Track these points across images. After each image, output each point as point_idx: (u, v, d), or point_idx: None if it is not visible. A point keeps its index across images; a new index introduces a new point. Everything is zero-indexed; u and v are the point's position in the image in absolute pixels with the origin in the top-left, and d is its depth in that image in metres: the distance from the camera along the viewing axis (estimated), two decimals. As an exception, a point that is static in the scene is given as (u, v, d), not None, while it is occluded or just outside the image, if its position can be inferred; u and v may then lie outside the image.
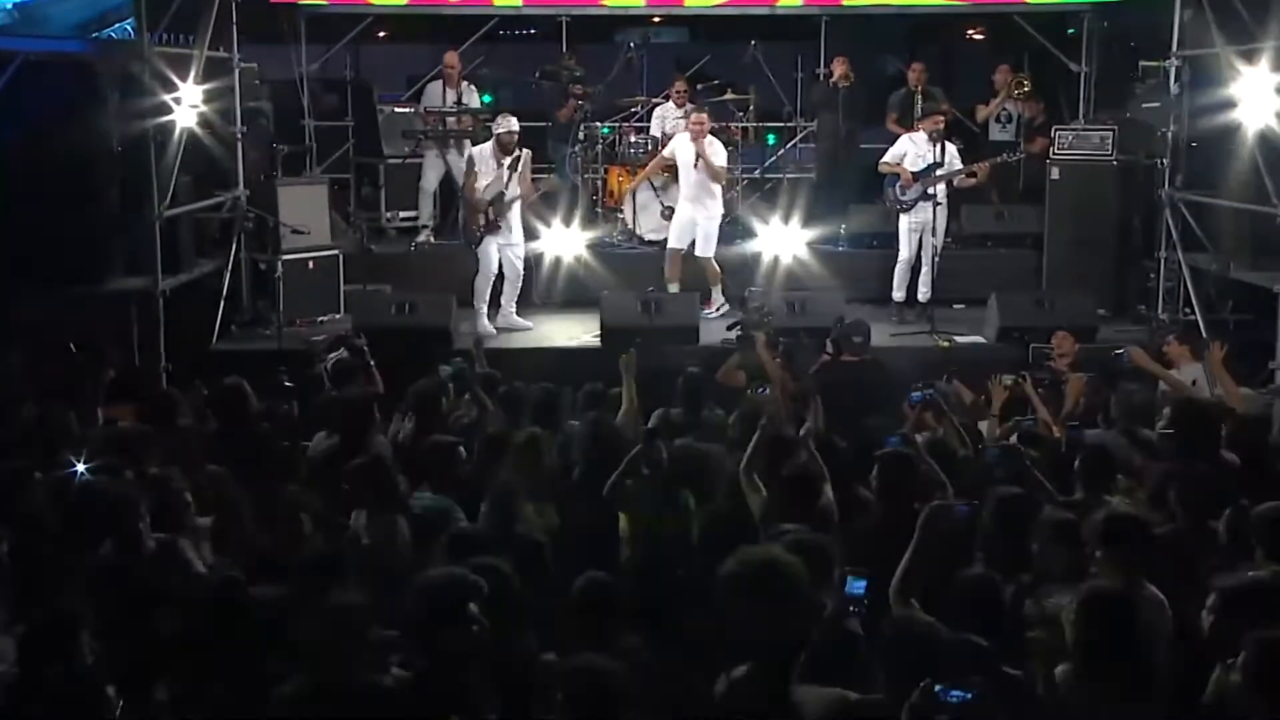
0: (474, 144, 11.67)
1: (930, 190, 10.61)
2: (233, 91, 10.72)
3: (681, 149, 10.95)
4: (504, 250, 10.57)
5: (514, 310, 10.74)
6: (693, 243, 10.99)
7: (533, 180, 10.89)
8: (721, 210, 11.08)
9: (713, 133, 12.32)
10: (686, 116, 12.27)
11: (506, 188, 10.43)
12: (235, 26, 10.67)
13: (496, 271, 10.58)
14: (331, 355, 8.54)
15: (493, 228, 10.44)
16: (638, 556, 5.54)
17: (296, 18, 12.72)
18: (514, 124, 10.55)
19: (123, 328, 9.51)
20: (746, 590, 3.72)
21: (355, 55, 14.36)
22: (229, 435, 6.79)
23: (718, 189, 10.96)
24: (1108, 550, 4.74)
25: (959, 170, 10.72)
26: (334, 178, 12.72)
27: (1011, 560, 4.95)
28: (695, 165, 10.84)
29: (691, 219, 10.93)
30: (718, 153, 10.92)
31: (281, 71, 12.78)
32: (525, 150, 10.61)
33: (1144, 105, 11.46)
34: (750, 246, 11.48)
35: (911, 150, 10.75)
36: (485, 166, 10.48)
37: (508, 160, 10.42)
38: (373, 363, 7.94)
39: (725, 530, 5.18)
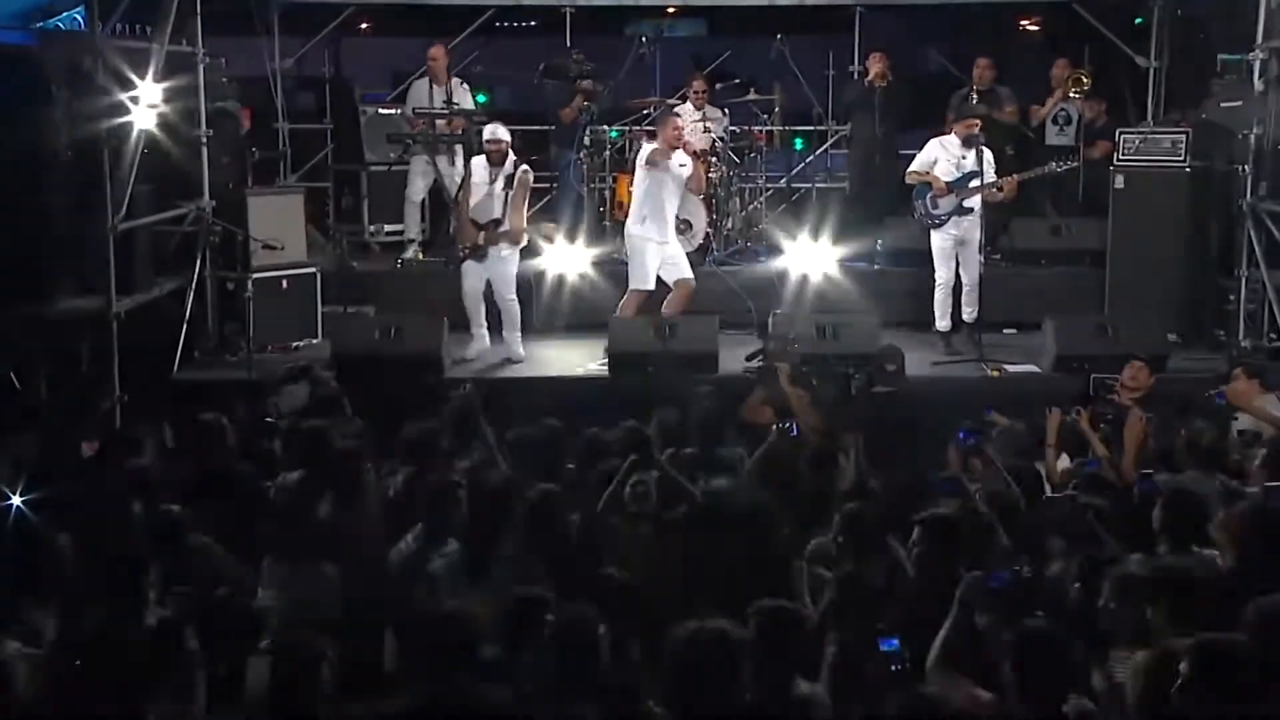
0: (466, 149, 11.68)
1: (966, 203, 10.48)
2: (197, 90, 10.68)
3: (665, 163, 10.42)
4: (490, 268, 10.51)
5: (518, 338, 10.64)
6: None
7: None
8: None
9: (734, 137, 12.36)
10: (704, 119, 12.32)
11: (503, 215, 10.37)
12: (199, 17, 10.64)
13: (483, 287, 10.55)
14: (289, 388, 8.48)
15: (479, 254, 10.43)
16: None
17: (269, 8, 12.74)
18: (500, 132, 10.51)
19: (72, 354, 9.49)
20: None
21: (335, 50, 14.46)
22: (203, 479, 6.71)
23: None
24: (1156, 608, 4.77)
25: (988, 184, 10.54)
26: (311, 187, 12.75)
27: (1080, 625, 4.92)
28: (677, 181, 10.50)
29: (669, 251, 10.59)
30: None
31: (252, 68, 12.81)
32: (525, 168, 10.55)
33: (1223, 104, 11.37)
34: (775, 264, 11.43)
35: (943, 156, 10.61)
36: (479, 179, 10.46)
37: (501, 176, 10.40)
38: (343, 398, 7.92)
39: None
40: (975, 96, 12.03)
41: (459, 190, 10.70)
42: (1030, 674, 4.34)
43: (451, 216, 11.09)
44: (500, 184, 10.39)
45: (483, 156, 10.53)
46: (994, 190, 10.60)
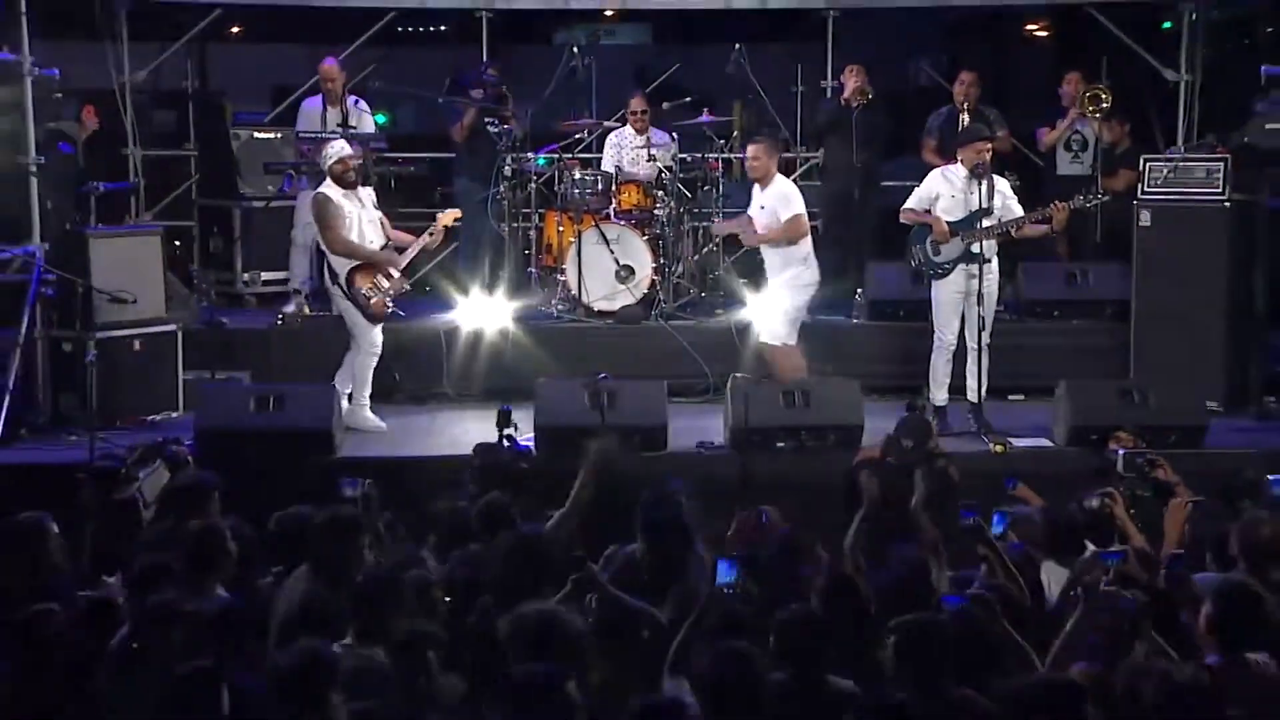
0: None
1: (975, 247, 10.41)
2: (24, 107, 10.66)
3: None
4: None
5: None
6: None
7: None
8: (795, 280, 10.75)
9: (684, 166, 12.32)
10: (649, 145, 12.29)
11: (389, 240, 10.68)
12: (26, 18, 10.59)
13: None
14: (145, 472, 8.29)
15: (401, 286, 10.62)
16: None
17: (115, 7, 12.82)
18: (344, 149, 10.72)
19: None
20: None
21: (200, 59, 14.35)
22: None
23: (792, 251, 10.71)
24: None
25: (1019, 218, 10.49)
26: (170, 226, 12.69)
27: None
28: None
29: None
30: (779, 198, 10.73)
31: (96, 80, 12.78)
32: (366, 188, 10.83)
33: (1268, 126, 11.43)
34: (735, 318, 11.38)
35: (946, 190, 10.53)
36: (349, 210, 10.55)
37: (363, 200, 10.66)
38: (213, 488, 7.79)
39: None
40: (967, 117, 12.03)
41: (327, 230, 10.63)
42: None
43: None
44: (368, 209, 10.62)
45: (329, 183, 10.60)
46: (1034, 223, 10.51)
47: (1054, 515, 7.63)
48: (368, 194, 10.72)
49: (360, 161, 10.66)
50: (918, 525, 7.42)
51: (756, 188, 10.81)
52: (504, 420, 9.21)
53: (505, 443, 8.95)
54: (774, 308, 10.74)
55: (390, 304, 10.52)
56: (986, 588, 6.46)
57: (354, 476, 7.92)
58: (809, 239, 10.81)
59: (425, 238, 10.79)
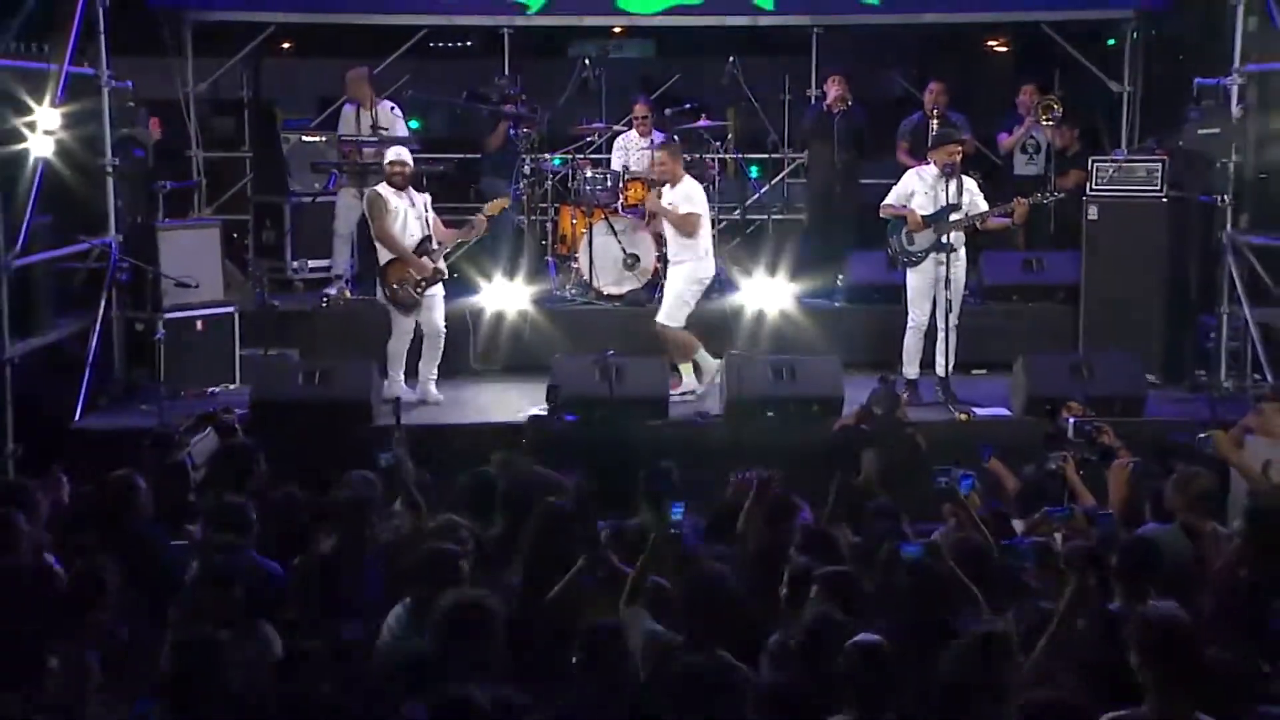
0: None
1: (945, 238, 10.44)
2: (101, 116, 10.66)
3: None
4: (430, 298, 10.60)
5: (434, 378, 10.68)
6: None
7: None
8: (692, 272, 10.73)
9: (684, 166, 12.36)
10: (652, 146, 12.35)
11: (430, 234, 10.53)
12: (104, 36, 10.58)
13: (414, 332, 10.60)
14: (196, 438, 8.39)
15: (436, 278, 10.48)
16: None
17: (181, 27, 12.75)
18: (405, 155, 10.66)
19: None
20: None
21: (254, 72, 14.35)
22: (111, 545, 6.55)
23: (687, 244, 10.71)
24: (1152, 669, 4.79)
25: (984, 212, 10.47)
26: (228, 219, 12.70)
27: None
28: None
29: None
30: (683, 196, 10.72)
31: (163, 91, 12.76)
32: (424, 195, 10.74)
33: (1200, 131, 11.43)
34: (730, 301, 11.41)
35: (920, 188, 10.49)
36: (395, 205, 10.47)
37: (413, 200, 10.54)
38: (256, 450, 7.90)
39: None
40: (935, 122, 12.08)
41: (376, 221, 10.53)
42: None
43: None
44: (417, 207, 10.53)
45: (384, 184, 10.55)
46: (998, 217, 10.53)
47: (1026, 480, 7.76)
48: (421, 197, 10.63)
49: (409, 168, 10.59)
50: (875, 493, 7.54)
51: (667, 186, 10.76)
52: (554, 396, 9.34)
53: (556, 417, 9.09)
54: (668, 292, 10.77)
55: (418, 295, 10.40)
56: (948, 541, 6.49)
57: (388, 449, 7.98)
58: (708, 238, 10.81)
59: (465, 230, 10.77)
